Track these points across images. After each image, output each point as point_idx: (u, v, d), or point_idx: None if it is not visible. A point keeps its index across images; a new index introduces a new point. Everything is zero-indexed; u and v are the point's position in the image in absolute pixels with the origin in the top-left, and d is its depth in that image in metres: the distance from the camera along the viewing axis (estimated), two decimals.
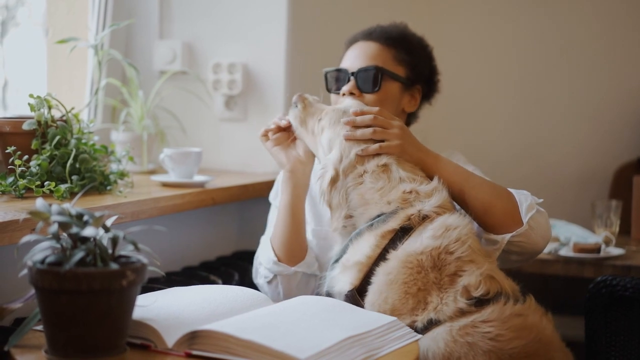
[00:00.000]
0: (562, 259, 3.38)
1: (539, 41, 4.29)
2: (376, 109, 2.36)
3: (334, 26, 3.75)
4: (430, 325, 2.05)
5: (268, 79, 3.46)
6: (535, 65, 4.29)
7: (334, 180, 2.29)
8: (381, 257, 2.16)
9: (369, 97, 2.63)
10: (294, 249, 2.52)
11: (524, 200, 2.37)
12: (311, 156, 2.52)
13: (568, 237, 3.51)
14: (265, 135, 2.55)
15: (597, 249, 3.37)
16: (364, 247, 2.19)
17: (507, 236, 2.31)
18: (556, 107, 4.28)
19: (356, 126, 2.33)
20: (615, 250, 3.42)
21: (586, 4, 4.25)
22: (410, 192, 2.23)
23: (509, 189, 2.40)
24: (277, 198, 2.74)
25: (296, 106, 2.50)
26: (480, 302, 2.06)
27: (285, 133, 2.53)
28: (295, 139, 2.53)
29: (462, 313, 2.05)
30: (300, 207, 2.53)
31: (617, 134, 4.21)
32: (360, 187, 2.27)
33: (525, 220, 2.33)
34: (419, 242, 2.14)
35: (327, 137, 2.38)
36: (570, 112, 4.27)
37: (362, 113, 2.35)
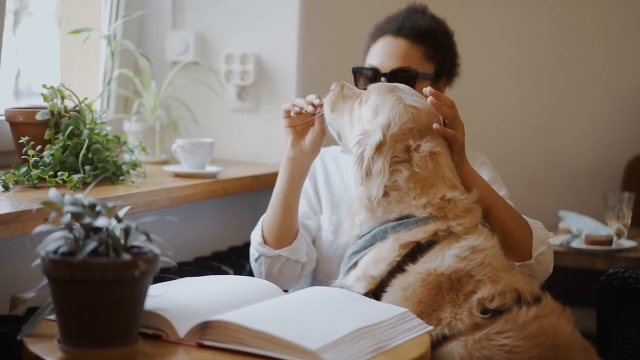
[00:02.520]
0: (573, 250, 3.38)
1: (551, 30, 4.28)
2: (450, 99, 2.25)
3: (346, 16, 3.75)
4: (444, 340, 2.02)
5: (280, 69, 3.46)
6: (548, 56, 4.28)
7: (380, 145, 2.15)
8: (398, 267, 2.10)
9: None
10: (282, 233, 2.52)
11: (539, 234, 2.36)
12: (315, 150, 2.45)
13: (580, 229, 3.51)
14: (287, 115, 2.43)
15: (609, 241, 3.37)
16: (386, 258, 2.12)
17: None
18: (569, 99, 4.27)
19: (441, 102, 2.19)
20: (627, 243, 3.42)
21: None
22: (449, 200, 2.14)
23: (524, 217, 2.38)
24: None
25: (333, 91, 2.39)
26: (494, 314, 2.02)
27: (302, 117, 2.42)
28: (308, 127, 2.44)
29: (476, 327, 2.01)
30: (293, 195, 2.50)
31: (630, 126, 4.20)
32: (408, 167, 2.14)
33: (534, 254, 2.33)
34: (440, 259, 2.07)
35: (374, 103, 2.24)
36: (583, 104, 4.26)
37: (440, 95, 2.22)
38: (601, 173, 4.23)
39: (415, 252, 2.10)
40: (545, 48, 4.29)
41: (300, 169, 2.49)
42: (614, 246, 3.37)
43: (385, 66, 2.67)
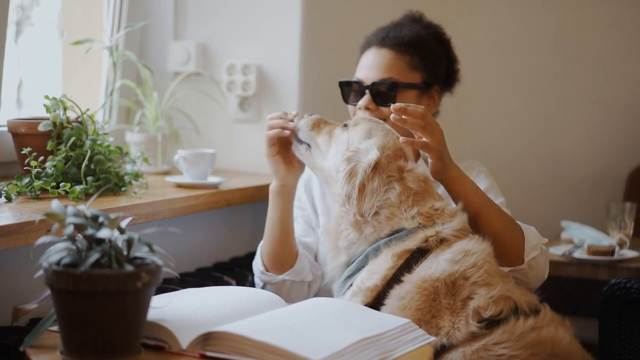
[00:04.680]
0: (576, 261, 3.38)
1: (555, 42, 4.28)
2: (422, 107, 2.25)
3: (348, 26, 3.75)
4: (443, 350, 2.03)
5: (282, 80, 3.46)
6: (551, 67, 4.28)
7: (377, 163, 2.19)
8: (395, 278, 2.12)
9: (386, 109, 2.59)
10: (282, 258, 2.52)
11: (532, 238, 2.36)
12: (303, 166, 2.48)
13: (582, 239, 3.50)
14: (274, 142, 2.44)
15: (611, 252, 3.36)
16: (380, 269, 2.14)
17: (505, 270, 2.29)
18: (571, 109, 4.27)
19: (406, 116, 2.21)
20: (629, 253, 3.41)
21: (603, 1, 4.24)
22: (437, 209, 2.19)
23: (518, 222, 2.39)
24: None
25: (312, 116, 2.44)
26: (491, 324, 2.03)
27: (285, 138, 2.44)
28: (290, 151, 2.46)
29: (474, 337, 2.02)
30: (290, 219, 2.51)
31: (633, 136, 4.20)
32: (401, 183, 2.19)
33: (526, 259, 2.33)
34: (435, 266, 2.10)
35: (365, 128, 2.31)
36: (585, 114, 4.26)
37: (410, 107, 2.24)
38: (603, 183, 4.23)
39: (410, 261, 2.12)
40: (547, 56, 4.29)
41: (292, 190, 2.52)
42: (616, 256, 3.36)
43: (369, 78, 2.66)
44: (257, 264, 2.57)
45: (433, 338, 1.99)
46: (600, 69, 4.25)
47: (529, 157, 4.31)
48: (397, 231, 2.18)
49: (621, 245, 3.45)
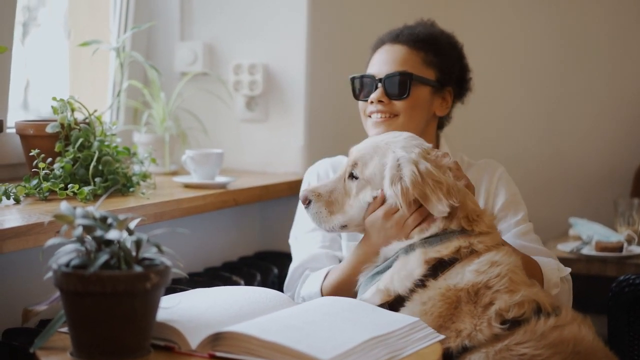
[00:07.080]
0: (584, 257, 3.37)
1: (561, 38, 4.28)
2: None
3: (354, 25, 3.75)
4: (465, 351, 2.02)
5: (289, 79, 3.46)
6: (557, 63, 4.28)
7: (420, 171, 2.15)
8: (420, 281, 2.11)
9: (398, 103, 2.57)
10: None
11: (551, 275, 2.36)
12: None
13: (590, 235, 3.50)
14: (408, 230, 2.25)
15: (620, 248, 3.36)
16: (413, 274, 2.12)
17: None
18: (578, 106, 4.26)
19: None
20: (637, 249, 3.40)
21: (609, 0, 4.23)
22: (479, 215, 2.19)
23: (537, 257, 2.38)
24: None
25: (309, 204, 2.33)
26: (513, 325, 2.03)
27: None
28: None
29: (496, 338, 2.02)
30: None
31: (639, 132, 4.19)
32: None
33: None
34: (461, 276, 2.09)
35: (375, 169, 2.24)
36: (592, 111, 4.25)
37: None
38: (611, 179, 4.22)
39: (437, 268, 2.12)
40: (552, 52, 4.28)
41: None
42: (624, 252, 3.36)
43: (381, 72, 2.62)
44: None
45: (442, 336, 1.99)
46: (606, 65, 4.24)
47: (536, 154, 4.30)
48: (435, 235, 2.17)
49: (629, 241, 3.44)
